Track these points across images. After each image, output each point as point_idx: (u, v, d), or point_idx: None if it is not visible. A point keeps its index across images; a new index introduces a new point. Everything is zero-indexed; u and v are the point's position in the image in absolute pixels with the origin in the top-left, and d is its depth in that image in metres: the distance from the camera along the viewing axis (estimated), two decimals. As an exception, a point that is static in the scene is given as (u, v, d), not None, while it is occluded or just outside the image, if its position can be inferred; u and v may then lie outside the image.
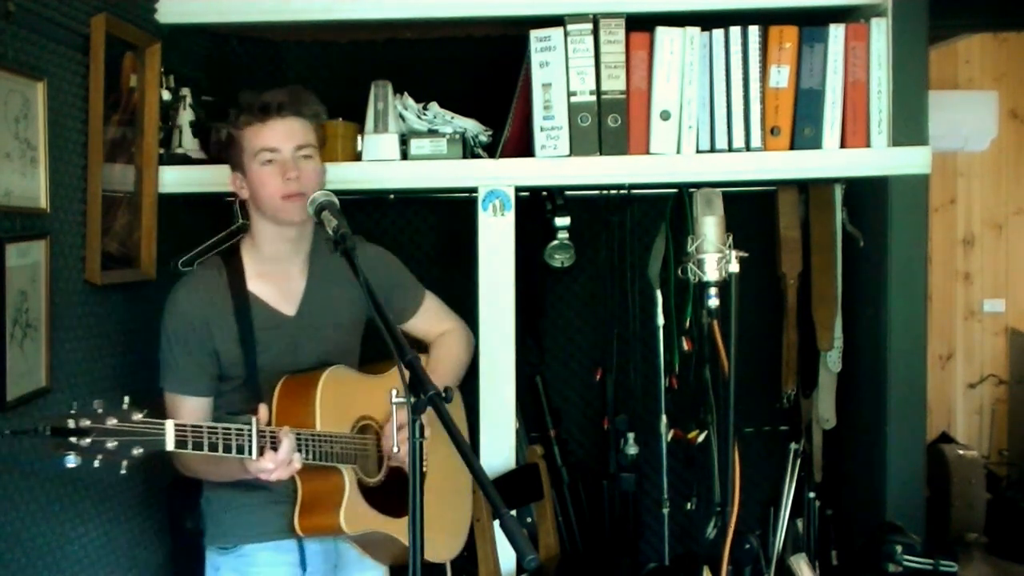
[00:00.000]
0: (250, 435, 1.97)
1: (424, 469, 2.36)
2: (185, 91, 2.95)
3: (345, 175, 2.91)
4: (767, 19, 2.92)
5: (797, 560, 2.99)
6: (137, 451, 1.77)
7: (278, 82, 3.38)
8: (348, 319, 2.39)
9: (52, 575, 2.30)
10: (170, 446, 1.84)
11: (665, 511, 3.29)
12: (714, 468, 3.01)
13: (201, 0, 2.93)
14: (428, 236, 3.53)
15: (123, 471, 1.76)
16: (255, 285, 2.26)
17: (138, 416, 1.79)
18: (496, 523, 1.65)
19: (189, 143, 2.98)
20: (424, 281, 3.49)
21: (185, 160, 2.95)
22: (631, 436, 3.34)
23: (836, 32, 2.89)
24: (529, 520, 3.14)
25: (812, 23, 2.91)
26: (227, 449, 1.95)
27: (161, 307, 2.88)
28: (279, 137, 2.19)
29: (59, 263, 2.33)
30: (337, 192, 2.17)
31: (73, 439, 1.69)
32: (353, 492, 2.17)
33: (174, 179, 2.89)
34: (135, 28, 2.66)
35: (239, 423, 1.98)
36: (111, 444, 1.73)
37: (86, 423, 1.70)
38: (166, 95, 2.85)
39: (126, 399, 1.79)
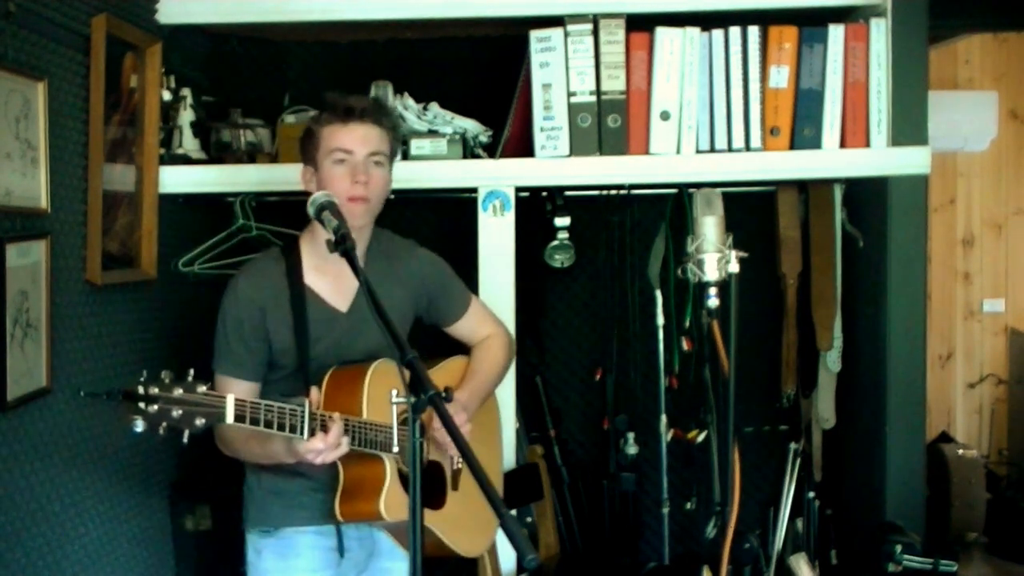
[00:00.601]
0: (303, 415, 2.03)
1: (459, 465, 2.40)
2: (185, 91, 2.95)
3: (345, 175, 2.91)
4: (767, 19, 2.92)
5: (797, 560, 2.99)
6: (200, 421, 1.83)
7: (278, 82, 3.39)
8: (398, 317, 2.41)
9: (52, 575, 2.30)
10: (230, 419, 1.91)
11: (665, 511, 3.30)
12: (714, 468, 3.02)
13: (201, 0, 2.93)
14: (428, 236, 3.51)
15: (185, 440, 1.82)
16: (312, 278, 2.31)
17: (202, 388, 1.85)
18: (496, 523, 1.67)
19: (189, 143, 2.99)
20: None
21: (185, 160, 2.95)
22: (631, 436, 3.35)
23: (836, 32, 2.89)
24: (529, 520, 3.15)
25: (812, 23, 2.91)
26: (281, 427, 2.00)
27: (161, 307, 2.91)
28: (356, 140, 2.25)
29: (59, 263, 2.33)
30: (337, 192, 2.18)
31: (142, 404, 1.76)
32: (394, 480, 2.21)
33: (174, 179, 2.89)
34: (135, 28, 2.66)
35: (293, 404, 2.04)
36: (176, 413, 1.80)
37: (154, 390, 1.77)
38: (166, 95, 2.85)
39: (191, 371, 1.85)
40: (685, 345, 3.21)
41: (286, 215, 2.85)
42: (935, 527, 3.63)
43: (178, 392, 1.80)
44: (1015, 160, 5.06)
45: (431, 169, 2.97)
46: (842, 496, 3.33)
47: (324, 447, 2.05)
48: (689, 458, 3.31)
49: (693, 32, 2.89)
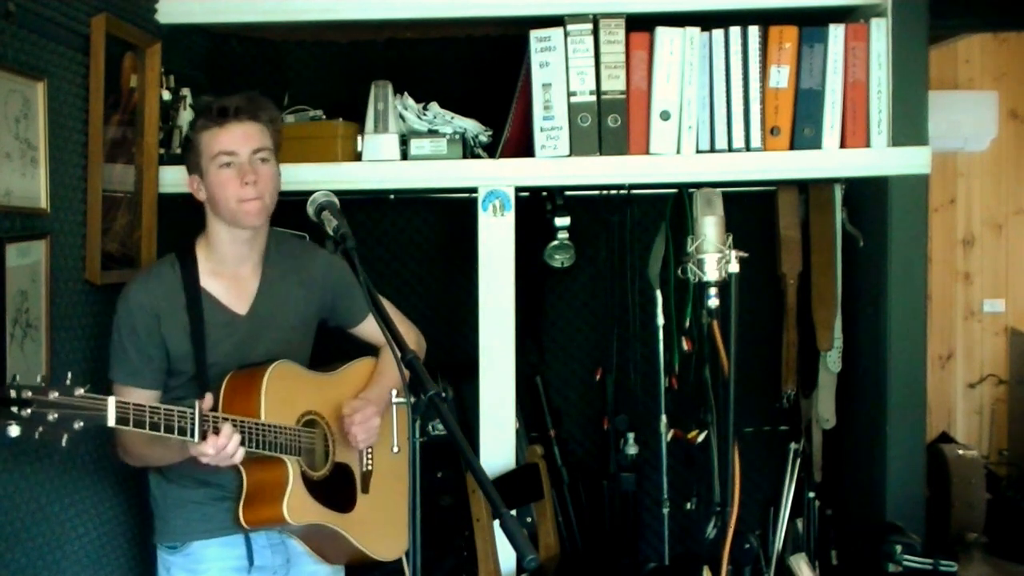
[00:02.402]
0: (192, 417, 1.99)
1: (369, 467, 2.38)
2: (185, 91, 2.95)
3: (345, 175, 2.91)
4: (767, 19, 2.92)
5: (797, 560, 2.99)
6: (78, 425, 1.79)
7: (278, 82, 3.39)
8: (299, 320, 2.41)
9: (52, 575, 2.30)
10: (111, 422, 1.86)
11: (665, 511, 3.29)
12: (714, 468, 3.01)
13: (201, 0, 2.93)
14: (428, 236, 3.53)
15: (63, 444, 1.78)
16: (208, 282, 2.28)
17: (80, 391, 1.81)
18: (496, 523, 1.65)
19: (189, 143, 2.98)
20: (424, 281, 3.52)
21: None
22: (631, 436, 3.34)
23: (836, 32, 2.89)
24: (529, 520, 3.14)
25: (812, 23, 2.91)
26: (169, 429, 1.97)
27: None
28: (236, 140, 2.22)
29: (59, 263, 2.33)
30: (337, 192, 2.17)
31: (14, 409, 1.71)
32: (297, 483, 2.19)
33: (174, 179, 2.88)
34: (135, 28, 2.66)
35: (183, 406, 2.02)
36: (52, 416, 1.75)
37: (27, 394, 1.72)
38: (166, 95, 2.85)
39: (68, 374, 1.81)
40: (685, 345, 3.21)
41: (285, 215, 2.84)
42: (935, 527, 3.63)
43: (54, 395, 1.75)
44: (1015, 160, 5.05)
45: (431, 169, 2.97)
46: (842, 496, 3.33)
47: (214, 451, 2.02)
48: (689, 458, 3.31)
49: (693, 32, 2.89)
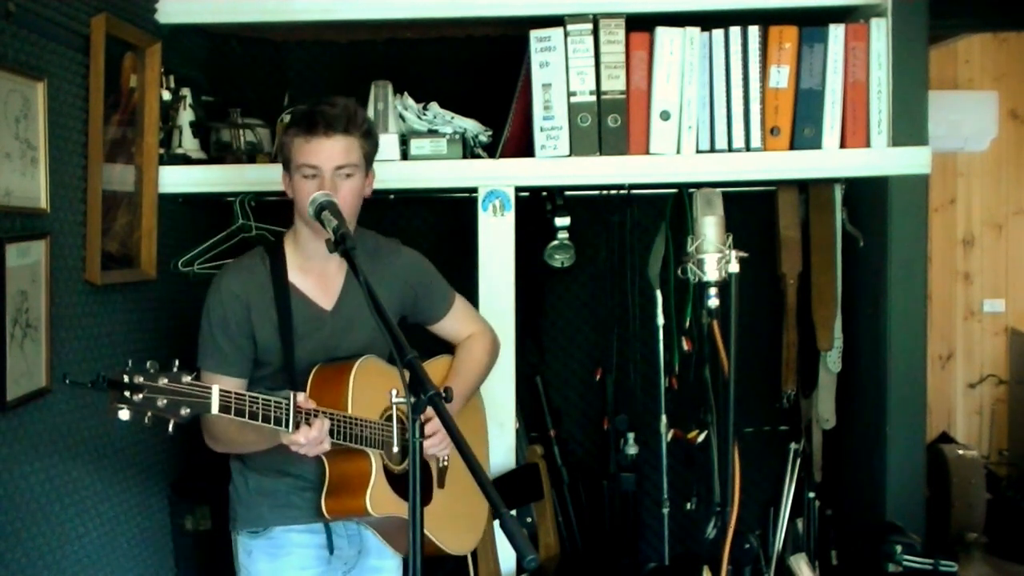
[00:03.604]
0: (287, 408, 2.03)
1: (445, 463, 2.40)
2: (185, 91, 2.95)
3: (345, 175, 2.91)
4: (767, 19, 2.92)
5: (797, 560, 2.99)
6: (185, 411, 1.83)
7: (278, 82, 3.39)
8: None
9: (52, 575, 2.30)
10: (215, 409, 1.91)
11: (665, 511, 3.29)
12: (714, 468, 3.01)
13: (201, 0, 2.93)
14: (428, 236, 3.53)
15: (170, 431, 1.82)
16: (296, 277, 2.31)
17: (187, 378, 1.85)
18: (496, 523, 1.66)
19: (189, 143, 2.99)
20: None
21: (185, 160, 2.95)
22: (631, 436, 3.35)
23: (836, 32, 2.89)
24: (529, 520, 3.15)
25: (812, 23, 2.91)
26: (266, 419, 2.01)
27: (161, 307, 2.91)
28: (321, 157, 2.21)
29: (59, 263, 2.33)
30: (337, 192, 2.17)
31: (127, 393, 1.75)
32: (379, 475, 2.21)
33: (174, 179, 2.89)
34: (135, 28, 2.66)
35: (279, 396, 2.05)
36: (161, 402, 1.80)
37: (139, 379, 1.77)
38: (166, 95, 2.85)
39: (176, 362, 1.85)
40: (685, 345, 3.21)
41: (286, 215, 2.84)
42: (935, 527, 3.63)
43: (163, 381, 1.80)
44: (1015, 160, 5.05)
45: (431, 169, 2.97)
46: (842, 496, 3.33)
47: (306, 441, 2.05)
48: (689, 458, 3.31)
49: (693, 32, 2.89)
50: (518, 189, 2.99)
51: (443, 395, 1.72)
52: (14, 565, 2.14)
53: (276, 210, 3.04)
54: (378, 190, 3.11)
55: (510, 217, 2.95)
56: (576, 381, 3.56)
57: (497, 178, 2.96)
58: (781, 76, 2.92)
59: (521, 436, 3.21)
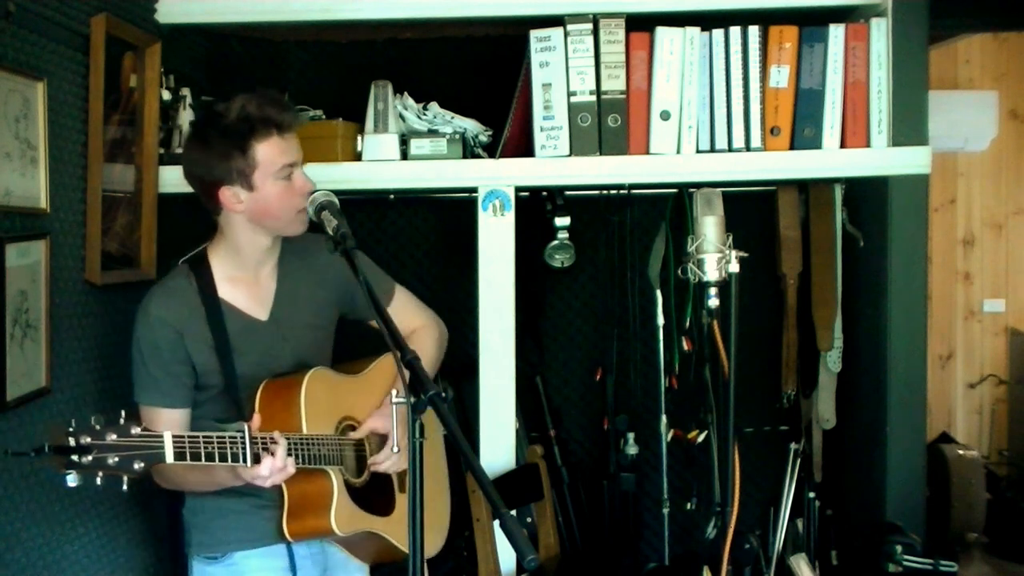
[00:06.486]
0: (243, 442, 1.94)
1: (403, 466, 2.35)
2: (185, 91, 2.94)
3: (345, 175, 2.91)
4: (767, 19, 2.92)
5: (797, 560, 2.99)
6: (138, 465, 1.74)
7: (278, 82, 3.39)
8: (321, 319, 2.36)
9: (52, 575, 2.30)
10: (170, 458, 1.81)
11: (665, 511, 3.29)
12: (714, 468, 3.01)
13: (201, 0, 2.93)
14: (428, 236, 3.53)
15: (124, 487, 1.74)
16: (226, 290, 2.22)
17: (136, 430, 1.75)
18: (496, 523, 1.65)
19: (189, 143, 2.98)
20: (424, 281, 3.51)
21: (185, 160, 2.95)
22: (631, 436, 3.34)
23: (836, 32, 2.89)
24: (529, 520, 3.14)
25: (812, 23, 2.91)
26: (223, 458, 1.92)
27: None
28: (293, 149, 2.16)
29: (59, 263, 2.33)
30: (337, 192, 2.17)
31: (75, 457, 1.65)
32: (342, 494, 2.15)
33: (174, 179, 2.87)
34: (135, 28, 2.66)
35: (231, 431, 1.95)
36: (112, 460, 1.70)
37: (87, 440, 1.66)
38: (166, 95, 2.85)
39: (123, 412, 1.76)
40: (685, 345, 3.21)
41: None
42: (935, 527, 3.63)
43: (112, 437, 1.69)
44: (1015, 160, 5.05)
45: (431, 169, 2.97)
46: (842, 496, 3.33)
47: (269, 473, 1.97)
48: (689, 458, 3.31)
49: (693, 32, 2.89)
50: (518, 189, 2.99)
51: (443, 395, 1.71)
52: (14, 565, 2.14)
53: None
54: (378, 190, 3.14)
55: (510, 217, 2.95)
56: (576, 381, 3.56)
57: (497, 178, 2.96)
58: (781, 76, 2.92)
59: (521, 436, 3.21)
